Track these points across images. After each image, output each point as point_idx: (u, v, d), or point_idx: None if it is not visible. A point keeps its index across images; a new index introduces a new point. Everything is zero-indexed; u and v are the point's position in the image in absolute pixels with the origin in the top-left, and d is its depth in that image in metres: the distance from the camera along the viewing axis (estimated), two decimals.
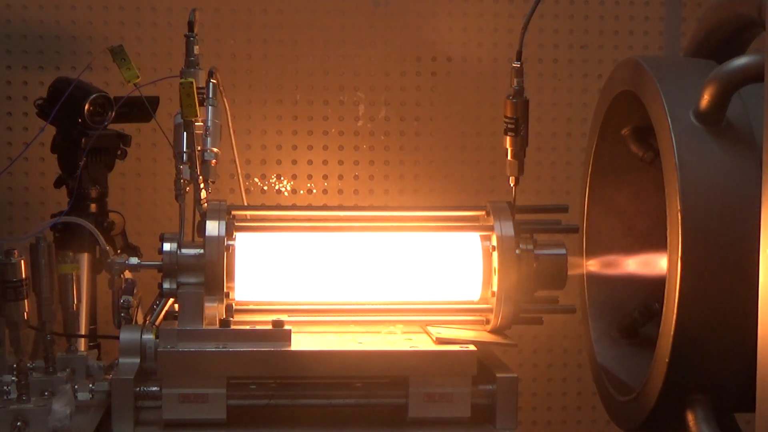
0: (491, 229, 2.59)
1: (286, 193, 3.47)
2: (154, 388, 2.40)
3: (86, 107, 2.95)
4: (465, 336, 2.53)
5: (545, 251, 2.62)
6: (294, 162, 3.47)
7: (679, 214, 2.40)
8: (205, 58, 2.71)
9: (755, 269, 2.11)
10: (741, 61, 2.44)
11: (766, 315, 2.07)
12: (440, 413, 2.42)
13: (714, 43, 2.72)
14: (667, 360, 2.41)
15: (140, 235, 3.19)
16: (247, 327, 2.49)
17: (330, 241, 2.63)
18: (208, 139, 2.64)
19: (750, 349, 2.25)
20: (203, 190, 2.62)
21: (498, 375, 2.44)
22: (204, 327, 2.46)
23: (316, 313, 2.60)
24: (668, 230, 2.44)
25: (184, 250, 2.54)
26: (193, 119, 2.58)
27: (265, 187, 3.46)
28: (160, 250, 2.55)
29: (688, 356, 2.40)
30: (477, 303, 2.63)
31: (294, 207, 3.32)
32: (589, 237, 2.91)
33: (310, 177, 3.47)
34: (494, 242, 2.58)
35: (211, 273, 2.51)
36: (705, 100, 2.45)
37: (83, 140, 2.95)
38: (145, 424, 2.40)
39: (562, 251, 2.63)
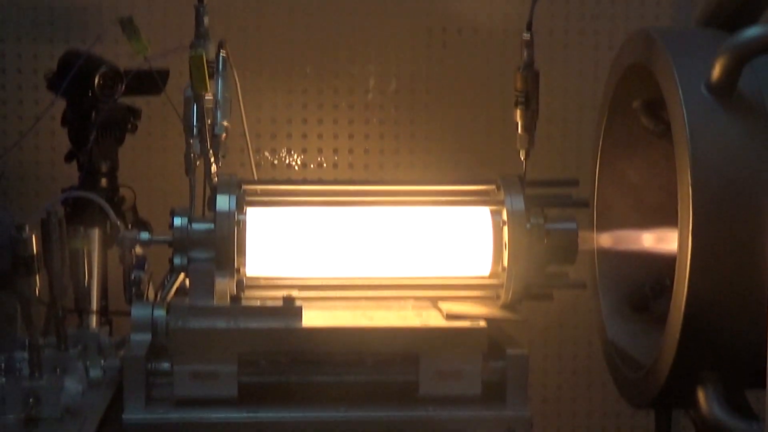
0: (502, 203, 2.58)
1: (296, 167, 3.47)
2: (166, 365, 2.41)
3: (96, 80, 2.95)
4: (475, 312, 2.52)
5: (556, 226, 2.61)
6: (304, 136, 3.47)
7: (690, 188, 2.39)
8: (215, 31, 2.70)
9: (767, 244, 2.11)
10: (753, 31, 2.43)
11: None
12: (451, 390, 2.42)
13: (726, 13, 2.70)
14: (677, 336, 2.41)
15: (151, 209, 3.19)
16: (258, 303, 2.49)
17: (341, 216, 2.63)
18: (218, 112, 2.64)
19: (761, 325, 2.25)
20: (213, 165, 2.62)
21: (508, 351, 2.44)
22: (215, 303, 2.47)
23: (326, 288, 2.60)
24: (679, 204, 2.43)
25: (194, 225, 2.53)
26: (203, 93, 2.57)
27: (276, 161, 3.46)
28: (171, 225, 2.55)
29: (698, 333, 2.40)
30: (487, 278, 2.62)
31: (305, 181, 3.32)
32: (600, 211, 2.90)
33: (320, 151, 3.47)
34: (505, 217, 2.57)
35: (221, 248, 2.50)
36: (716, 71, 2.43)
37: (93, 113, 2.95)
38: (157, 401, 2.41)
39: (573, 226, 2.62)
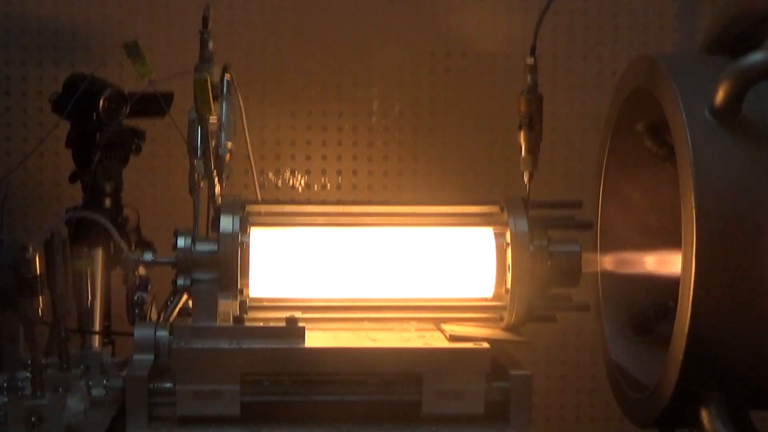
0: (505, 225, 2.59)
1: (299, 189, 3.47)
2: (168, 385, 2.40)
3: (101, 103, 2.96)
4: (478, 333, 2.52)
5: (559, 248, 2.61)
6: (308, 157, 3.48)
7: (693, 211, 2.39)
8: (219, 54, 2.71)
9: None
10: (756, 56, 2.43)
11: None
12: (454, 410, 2.41)
13: (729, 38, 2.70)
14: (681, 358, 2.41)
15: (155, 230, 3.19)
16: (261, 324, 2.49)
17: (344, 237, 2.63)
18: (222, 134, 2.64)
19: (764, 346, 2.25)
20: (217, 186, 2.63)
21: (512, 372, 2.44)
22: (218, 324, 2.47)
23: (330, 309, 2.60)
24: (683, 227, 2.43)
25: (198, 246, 2.54)
26: (207, 115, 2.58)
27: (279, 183, 3.47)
28: (174, 246, 2.55)
29: (702, 354, 2.40)
30: (490, 300, 2.62)
31: (308, 202, 3.32)
32: (604, 233, 2.90)
33: (324, 172, 3.48)
34: (508, 238, 2.58)
35: (225, 269, 2.51)
36: (720, 96, 2.44)
37: (98, 135, 2.96)
38: (159, 420, 2.40)
39: (576, 248, 2.62)
